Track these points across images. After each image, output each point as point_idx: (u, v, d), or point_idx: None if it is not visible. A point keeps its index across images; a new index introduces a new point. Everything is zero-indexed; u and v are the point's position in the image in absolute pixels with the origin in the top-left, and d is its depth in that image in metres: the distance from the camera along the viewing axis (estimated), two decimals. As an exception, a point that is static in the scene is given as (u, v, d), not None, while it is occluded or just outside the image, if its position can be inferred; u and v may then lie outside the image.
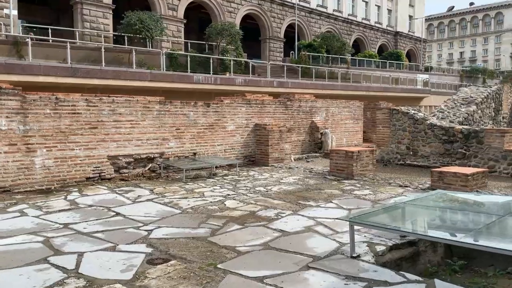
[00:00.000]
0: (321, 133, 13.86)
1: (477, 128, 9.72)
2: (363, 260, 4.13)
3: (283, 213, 6.18)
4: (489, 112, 12.80)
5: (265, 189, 8.07)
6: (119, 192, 7.59)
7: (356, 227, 4.44)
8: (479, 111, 12.10)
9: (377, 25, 50.44)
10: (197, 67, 23.21)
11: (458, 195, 5.42)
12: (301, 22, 40.18)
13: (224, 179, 9.34)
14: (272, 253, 4.44)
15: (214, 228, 5.36)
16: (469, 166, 9.82)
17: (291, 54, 36.07)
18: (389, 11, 52.97)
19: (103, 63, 18.14)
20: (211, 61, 21.28)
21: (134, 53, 19.48)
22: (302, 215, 6.02)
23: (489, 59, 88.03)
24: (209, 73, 20.78)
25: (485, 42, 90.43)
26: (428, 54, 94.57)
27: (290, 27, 38.86)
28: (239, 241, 4.81)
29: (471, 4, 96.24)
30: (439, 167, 10.13)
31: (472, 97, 12.22)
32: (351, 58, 40.62)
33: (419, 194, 6.71)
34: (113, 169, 8.72)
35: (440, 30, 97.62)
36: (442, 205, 4.92)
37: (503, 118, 13.97)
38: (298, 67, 27.08)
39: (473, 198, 5.25)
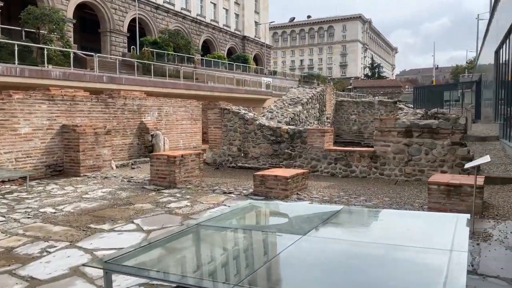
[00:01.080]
0: (152, 135, 12.40)
1: (301, 128, 9.68)
2: (123, 321, 2.87)
3: (55, 246, 4.54)
4: (314, 113, 13.36)
5: (53, 210, 6.23)
6: None
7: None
8: (305, 111, 12.45)
9: (225, 27, 51.36)
10: (10, 57, 19.02)
11: (267, 207, 4.70)
12: (147, 18, 37.85)
13: (5, 198, 7.08)
14: (-19, 329, 2.83)
15: None
16: (295, 166, 9.73)
17: (132, 50, 33.48)
18: (237, 15, 54.66)
19: None
20: (15, 48, 17.51)
21: None
22: (80, 247, 4.50)
23: (324, 67, 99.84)
24: (14, 63, 17.08)
25: (320, 52, 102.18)
26: (274, 60, 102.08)
27: (136, 21, 36.21)
28: None
29: (309, 17, 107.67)
30: (268, 169, 9.78)
31: (299, 97, 12.49)
32: (201, 59, 40.31)
33: (235, 205, 5.89)
34: None
35: (283, 38, 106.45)
36: (241, 224, 4.07)
37: (327, 118, 14.87)
38: (135, 62, 24.88)
39: (282, 210, 4.58)
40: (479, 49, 31.00)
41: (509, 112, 10.84)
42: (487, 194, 6.88)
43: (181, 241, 3.51)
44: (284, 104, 12.12)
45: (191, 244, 3.51)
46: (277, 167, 9.93)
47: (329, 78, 75.41)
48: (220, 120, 10.80)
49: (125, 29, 35.30)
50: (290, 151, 9.82)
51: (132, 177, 9.23)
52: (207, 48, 48.64)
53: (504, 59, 12.30)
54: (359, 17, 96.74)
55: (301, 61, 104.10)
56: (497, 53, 14.16)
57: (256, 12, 58.20)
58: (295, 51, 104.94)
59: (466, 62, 69.48)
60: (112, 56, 27.88)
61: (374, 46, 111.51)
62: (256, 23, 57.55)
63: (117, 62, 22.49)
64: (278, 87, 39.43)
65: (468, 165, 4.88)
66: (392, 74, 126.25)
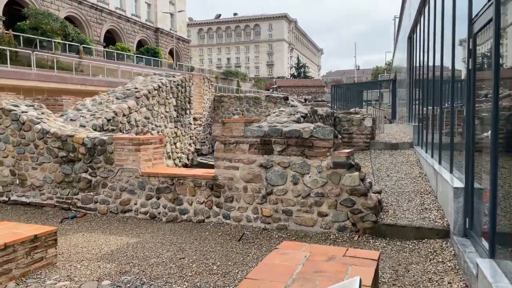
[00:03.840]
0: None
1: (103, 137, 5.69)
2: None
3: None
4: (167, 111, 9.34)
5: None
6: None
7: None
8: (145, 109, 8.41)
9: (134, 17, 45.92)
10: None
11: None
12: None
13: None
14: None
15: None
16: (96, 202, 5.74)
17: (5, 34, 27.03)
18: (148, 5, 49.38)
19: None
20: None
21: None
22: None
23: (251, 66, 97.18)
24: None
25: (247, 50, 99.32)
26: (200, 57, 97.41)
27: (16, 3, 29.65)
28: None
29: (235, 14, 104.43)
30: (55, 206, 5.74)
31: (136, 88, 8.48)
32: (104, 50, 34.96)
33: None
34: None
35: (209, 35, 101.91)
36: None
37: (195, 119, 10.87)
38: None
39: None
40: (394, 49, 29.68)
41: (424, 112, 7.86)
42: (390, 272, 3.47)
43: None
44: (109, 97, 8.01)
45: None
46: (68, 205, 5.88)
47: (249, 76, 72.70)
48: (-13, 123, 6.46)
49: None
50: (89, 176, 5.81)
51: None
52: (112, 39, 42.90)
53: (417, 42, 9.45)
54: (284, 17, 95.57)
55: (228, 59, 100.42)
56: (410, 38, 11.44)
57: (171, 3, 53.27)
58: (222, 49, 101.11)
59: (385, 64, 70.75)
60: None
61: (300, 46, 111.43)
62: (172, 15, 52.64)
63: None
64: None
65: None
66: (318, 74, 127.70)
